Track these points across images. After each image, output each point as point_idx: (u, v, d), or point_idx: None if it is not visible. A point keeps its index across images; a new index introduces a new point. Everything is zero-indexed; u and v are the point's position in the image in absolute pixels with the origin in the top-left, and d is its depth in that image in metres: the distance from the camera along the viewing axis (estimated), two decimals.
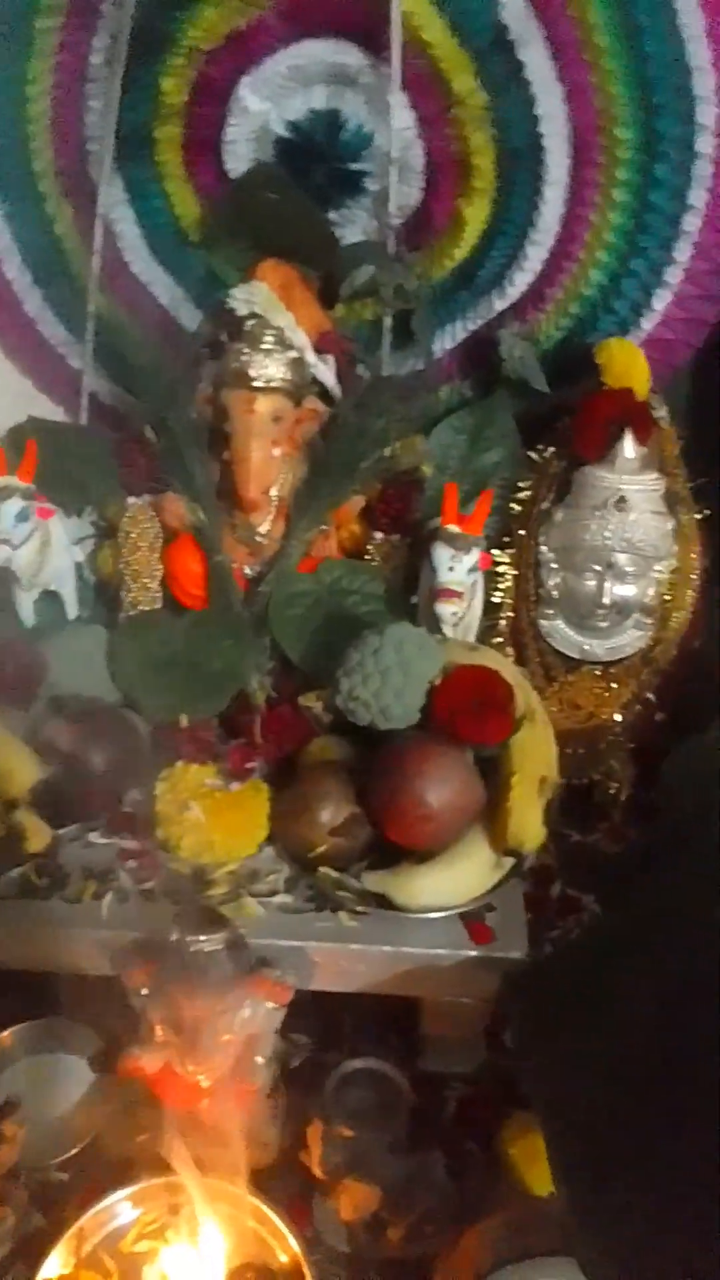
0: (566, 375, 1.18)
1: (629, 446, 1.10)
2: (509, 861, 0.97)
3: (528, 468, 1.19)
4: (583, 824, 1.21)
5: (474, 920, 0.94)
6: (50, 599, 1.18)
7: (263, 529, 1.16)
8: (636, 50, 1.03)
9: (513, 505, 1.19)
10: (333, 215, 1.19)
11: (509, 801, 0.94)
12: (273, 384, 1.09)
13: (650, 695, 1.21)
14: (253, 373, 1.09)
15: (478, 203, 1.15)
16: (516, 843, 0.94)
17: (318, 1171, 0.88)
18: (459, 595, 1.07)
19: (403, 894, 0.93)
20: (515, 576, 1.19)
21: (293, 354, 1.11)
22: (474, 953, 0.92)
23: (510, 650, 1.20)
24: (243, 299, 1.10)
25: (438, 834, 0.93)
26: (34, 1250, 0.82)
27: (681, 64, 1.02)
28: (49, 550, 1.14)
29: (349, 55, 1.09)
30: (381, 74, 1.09)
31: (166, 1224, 0.86)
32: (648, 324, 1.16)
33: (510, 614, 1.20)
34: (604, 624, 1.16)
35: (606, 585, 1.13)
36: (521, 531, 1.18)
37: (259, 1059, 0.87)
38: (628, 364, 1.12)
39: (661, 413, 1.16)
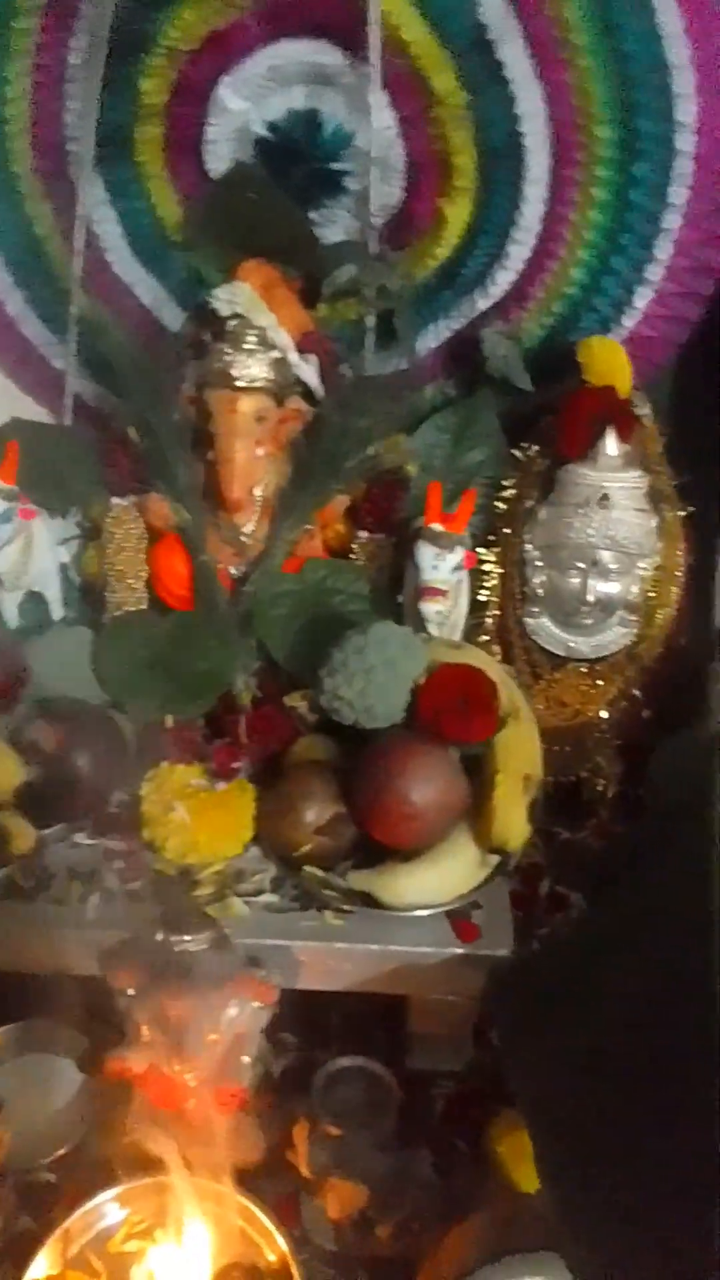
0: (550, 373, 1.18)
1: (611, 444, 1.10)
2: (494, 859, 0.97)
3: (512, 466, 1.19)
4: (571, 821, 1.21)
5: (460, 918, 0.94)
6: (35, 600, 1.18)
7: (247, 529, 1.16)
8: (615, 48, 1.03)
9: (497, 504, 1.19)
10: (314, 215, 1.18)
11: (493, 799, 0.94)
12: (255, 384, 1.09)
13: (636, 692, 1.21)
14: (235, 373, 1.09)
15: (459, 202, 1.15)
16: (501, 840, 0.94)
17: (305, 1170, 0.88)
18: (443, 594, 1.07)
19: (388, 892, 0.93)
20: (500, 575, 1.19)
21: (275, 354, 1.11)
22: (460, 950, 0.93)
23: (496, 648, 1.20)
24: (225, 299, 1.10)
25: (422, 832, 0.93)
26: (21, 1251, 0.82)
27: (660, 62, 1.02)
28: (32, 551, 1.13)
29: (328, 55, 1.09)
30: (361, 74, 1.09)
31: (154, 1224, 0.86)
32: (630, 322, 1.16)
33: (496, 612, 1.20)
34: (589, 621, 1.16)
35: (591, 583, 1.13)
36: (506, 530, 1.18)
37: (245, 1058, 0.87)
38: (610, 362, 1.12)
39: (645, 410, 1.16)
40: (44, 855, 0.99)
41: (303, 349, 1.15)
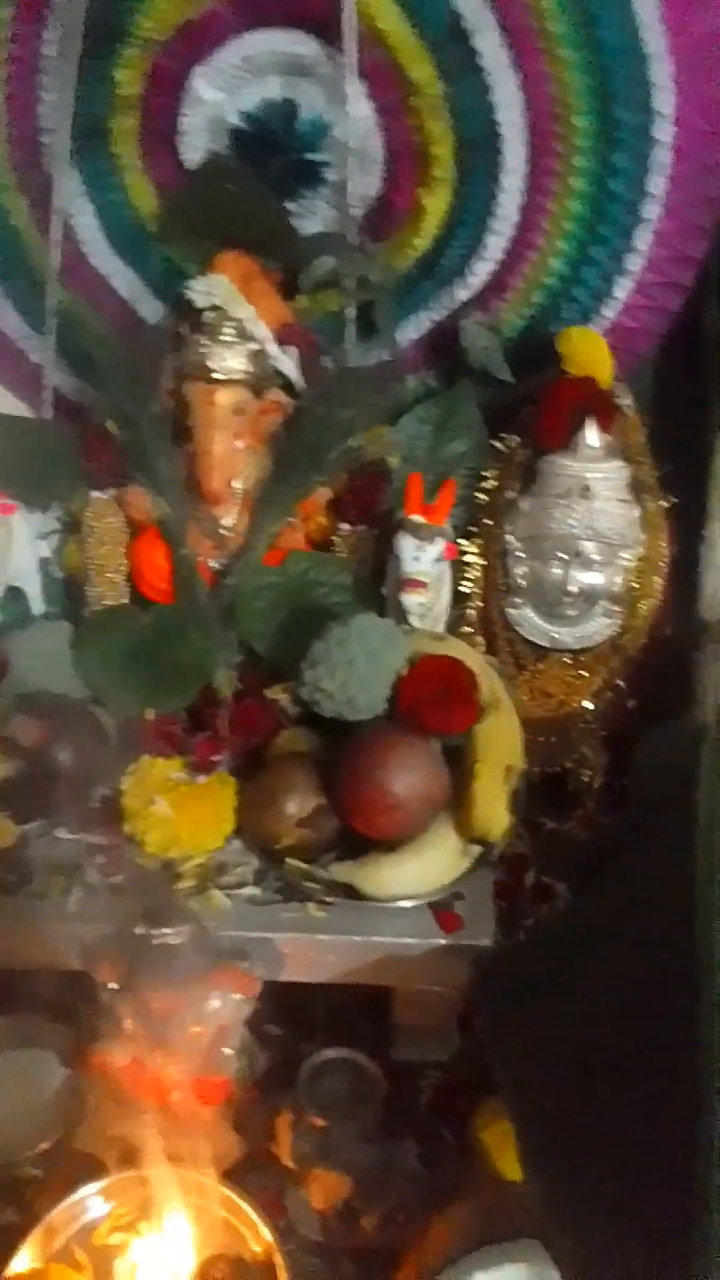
0: (530, 364, 1.18)
1: (592, 435, 1.10)
2: (477, 850, 0.97)
3: (493, 457, 1.19)
4: (556, 812, 1.21)
5: (442, 909, 0.94)
6: (15, 596, 1.17)
7: (227, 522, 1.15)
8: (591, 38, 1.03)
9: (479, 495, 1.19)
10: (292, 206, 1.18)
11: (474, 790, 0.94)
12: (234, 376, 1.09)
13: (620, 682, 1.21)
14: (213, 365, 1.09)
15: (438, 192, 1.15)
16: (483, 831, 0.94)
17: (288, 1161, 0.89)
18: (424, 586, 1.07)
19: (370, 884, 0.93)
20: (483, 566, 1.19)
21: (254, 346, 1.11)
22: (443, 941, 0.93)
23: (480, 640, 1.20)
24: (202, 291, 1.09)
25: (404, 823, 0.93)
26: (5, 1245, 0.82)
27: (637, 51, 1.02)
28: (11, 546, 1.13)
29: (303, 45, 1.09)
30: (337, 63, 1.08)
31: (139, 1217, 0.86)
32: (610, 312, 1.16)
33: (479, 604, 1.20)
34: (572, 612, 1.16)
35: (573, 573, 1.13)
36: (488, 521, 1.18)
37: (228, 1050, 0.87)
38: (590, 352, 1.12)
39: (626, 401, 1.16)
40: (25, 850, 0.98)
41: (282, 341, 1.14)
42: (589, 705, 1.21)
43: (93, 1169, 0.87)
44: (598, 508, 1.11)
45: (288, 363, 1.15)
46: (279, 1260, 0.81)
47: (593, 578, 1.14)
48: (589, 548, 1.13)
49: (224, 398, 1.09)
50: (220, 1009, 0.86)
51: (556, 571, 1.14)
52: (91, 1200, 0.86)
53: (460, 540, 1.17)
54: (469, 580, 1.19)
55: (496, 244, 1.15)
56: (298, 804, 0.96)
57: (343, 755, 0.96)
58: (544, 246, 1.15)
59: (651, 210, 1.10)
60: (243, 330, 1.10)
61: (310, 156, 1.15)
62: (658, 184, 1.08)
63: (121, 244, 1.25)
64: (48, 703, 1.06)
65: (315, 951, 0.94)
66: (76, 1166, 0.88)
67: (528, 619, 1.18)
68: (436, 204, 1.16)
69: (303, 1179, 0.90)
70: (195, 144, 1.17)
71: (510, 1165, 0.88)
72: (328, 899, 0.94)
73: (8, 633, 1.14)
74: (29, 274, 1.25)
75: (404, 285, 1.22)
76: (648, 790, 1.08)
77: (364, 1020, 1.03)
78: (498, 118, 1.09)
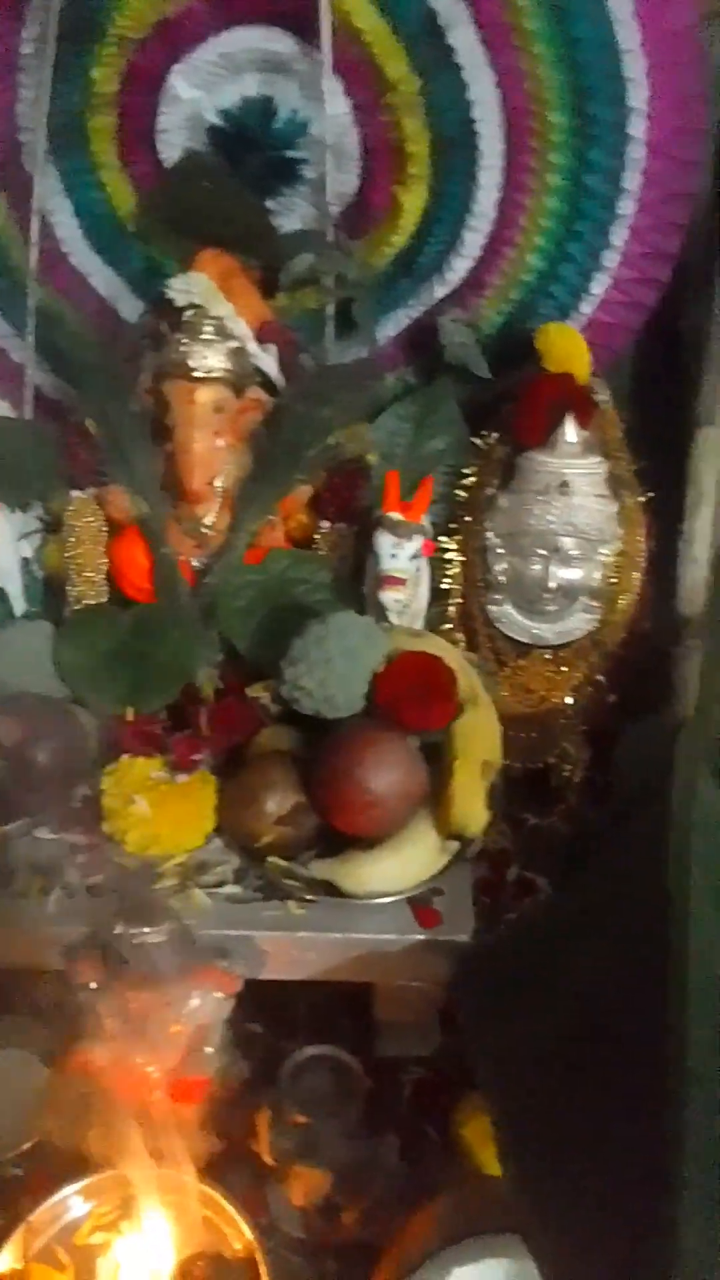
0: (509, 361, 1.18)
1: (570, 430, 1.10)
2: (456, 846, 0.97)
3: (473, 454, 1.19)
4: (539, 807, 1.22)
5: (421, 905, 0.94)
6: None
7: (208, 520, 1.15)
8: (565, 34, 1.03)
9: (458, 492, 1.19)
10: (270, 204, 1.18)
11: (452, 786, 0.94)
12: (213, 374, 1.09)
13: (601, 678, 1.21)
14: (193, 363, 1.08)
15: (414, 189, 1.15)
16: (460, 826, 0.94)
17: (267, 1158, 0.89)
18: (402, 582, 1.07)
19: (350, 881, 0.93)
20: (463, 563, 1.19)
21: (233, 344, 1.10)
22: (422, 937, 0.93)
23: (461, 636, 1.20)
24: (181, 289, 1.09)
25: (383, 820, 0.94)
26: None
27: (611, 47, 1.02)
28: None
29: (280, 42, 1.09)
30: (314, 60, 1.08)
31: (120, 1216, 0.87)
32: (587, 308, 1.17)
33: (460, 600, 1.20)
34: (552, 608, 1.17)
35: (552, 569, 1.13)
36: (468, 518, 1.18)
37: (209, 1049, 0.88)
38: (567, 348, 1.12)
39: (604, 396, 1.16)
40: (5, 851, 0.98)
41: (261, 339, 1.14)
42: (570, 701, 1.22)
43: (74, 1169, 0.87)
44: (576, 503, 1.11)
45: (267, 360, 1.15)
46: (260, 1257, 0.82)
47: (572, 573, 1.14)
48: (568, 543, 1.13)
49: (204, 396, 1.09)
50: (201, 1008, 0.86)
51: (536, 568, 1.14)
52: (73, 1200, 0.87)
53: (440, 537, 1.17)
54: (449, 577, 1.19)
55: (474, 241, 1.16)
56: (277, 802, 0.96)
57: (321, 753, 0.96)
58: (521, 243, 1.16)
59: (627, 206, 1.10)
60: (222, 328, 1.10)
61: (288, 154, 1.15)
62: (633, 180, 1.09)
63: (100, 243, 1.24)
64: (28, 703, 1.06)
65: (296, 949, 0.94)
66: (57, 1166, 0.88)
67: (508, 615, 1.18)
68: (413, 201, 1.16)
69: (284, 1176, 0.90)
70: (173, 142, 1.17)
71: (491, 1160, 0.88)
72: (308, 897, 0.94)
73: None
74: (9, 273, 1.25)
75: (382, 282, 1.22)
76: (629, 785, 1.08)
77: (345, 1017, 1.03)
78: (474, 114, 1.09)
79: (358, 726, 0.96)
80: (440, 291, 1.19)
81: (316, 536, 1.19)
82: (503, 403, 1.18)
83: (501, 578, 1.16)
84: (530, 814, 1.21)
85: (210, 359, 1.09)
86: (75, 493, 1.16)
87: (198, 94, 1.13)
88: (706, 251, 1.13)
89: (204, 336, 1.09)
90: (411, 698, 0.95)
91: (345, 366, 1.23)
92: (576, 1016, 0.78)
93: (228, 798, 1.00)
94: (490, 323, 1.21)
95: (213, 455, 1.11)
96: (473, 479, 1.18)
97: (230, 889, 0.96)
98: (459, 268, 1.17)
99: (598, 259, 1.14)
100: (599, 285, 1.15)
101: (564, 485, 1.11)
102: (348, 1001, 1.02)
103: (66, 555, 1.16)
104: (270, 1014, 1.02)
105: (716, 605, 1.11)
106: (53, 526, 1.19)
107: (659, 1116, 0.65)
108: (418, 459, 1.21)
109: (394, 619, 1.09)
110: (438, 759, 0.97)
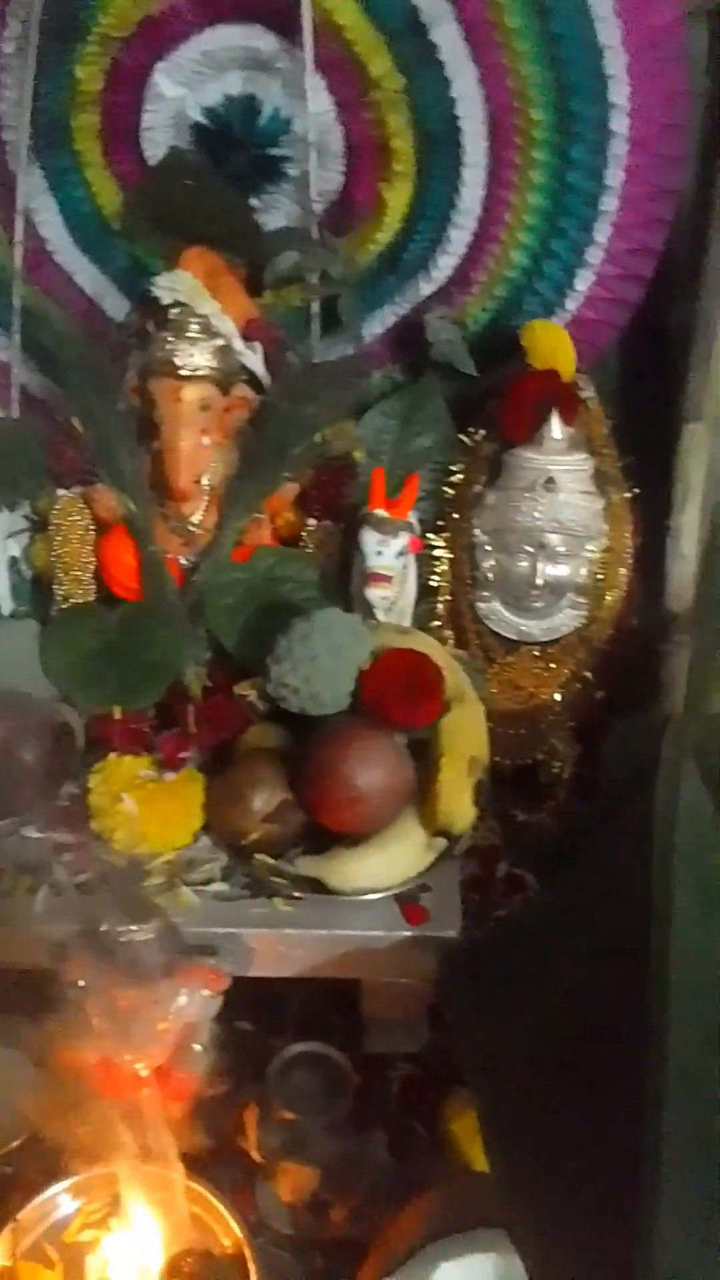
0: (494, 358, 1.19)
1: (556, 427, 1.10)
2: (442, 842, 0.97)
3: (459, 451, 1.19)
4: (528, 803, 1.22)
5: (408, 901, 0.95)
6: None
7: (195, 518, 1.15)
8: (547, 30, 1.03)
9: (445, 489, 1.19)
10: (255, 201, 1.18)
11: (438, 783, 0.94)
12: (199, 372, 1.09)
13: (588, 674, 1.21)
14: (179, 361, 1.08)
15: (399, 186, 1.15)
16: (447, 823, 0.94)
17: (255, 1155, 0.89)
18: (388, 580, 1.07)
19: (337, 877, 0.94)
20: (450, 560, 1.19)
21: (219, 342, 1.10)
22: (409, 933, 0.93)
23: (449, 633, 1.20)
24: (167, 287, 1.09)
25: (369, 817, 0.94)
26: None
27: (592, 43, 1.03)
28: None
29: (262, 40, 1.09)
30: (297, 58, 1.09)
31: (108, 1214, 0.87)
32: (571, 305, 1.17)
33: (447, 597, 1.20)
34: (539, 604, 1.17)
35: (539, 566, 1.14)
36: (455, 515, 1.18)
37: (197, 1046, 0.88)
38: (552, 345, 1.12)
39: (588, 393, 1.16)
40: None
41: (247, 336, 1.14)
42: (558, 697, 1.22)
43: (62, 1167, 0.87)
44: (562, 500, 1.12)
45: (253, 358, 1.15)
46: (249, 1254, 0.82)
47: (559, 570, 1.14)
48: (554, 540, 1.13)
49: (190, 394, 1.09)
50: (188, 1005, 0.86)
51: (523, 564, 1.14)
52: (61, 1198, 0.87)
53: (428, 534, 1.17)
54: (438, 574, 1.19)
55: (459, 237, 1.16)
56: (264, 799, 0.96)
57: (308, 750, 0.96)
58: (506, 239, 1.16)
59: (610, 203, 1.11)
60: (208, 326, 1.10)
61: (272, 151, 1.16)
62: (615, 176, 1.09)
63: (85, 241, 1.24)
64: (13, 702, 1.06)
65: (283, 946, 0.94)
66: (45, 1165, 0.89)
67: (496, 612, 1.18)
68: (398, 198, 1.16)
69: (272, 1173, 0.90)
70: (157, 140, 1.17)
71: (479, 1156, 0.88)
72: (295, 894, 0.94)
73: None
74: None
75: (367, 279, 1.22)
76: (617, 781, 1.09)
77: (333, 1014, 1.03)
78: (457, 111, 1.09)
79: (344, 724, 0.96)
80: (426, 289, 1.19)
81: (303, 534, 1.19)
82: (489, 399, 1.18)
83: (489, 574, 1.17)
84: (519, 810, 1.21)
85: (196, 357, 1.09)
86: (62, 491, 1.16)
87: (181, 92, 1.13)
88: (691, 247, 1.13)
89: (190, 334, 1.09)
90: (398, 695, 0.95)
91: (331, 364, 1.23)
92: (564, 1013, 0.78)
93: (215, 795, 1.00)
94: (476, 319, 1.21)
95: (199, 453, 1.11)
96: (460, 476, 1.19)
97: (218, 886, 0.96)
98: (444, 265, 1.18)
99: (582, 255, 1.14)
100: (584, 281, 1.15)
101: (550, 482, 1.11)
102: (335, 998, 1.02)
103: (54, 554, 1.16)
104: (258, 1011, 1.02)
105: (704, 601, 1.11)
106: (40, 525, 1.19)
107: (643, 1112, 0.65)
108: (404, 456, 1.21)
109: (380, 616, 1.09)
110: (424, 756, 0.97)
